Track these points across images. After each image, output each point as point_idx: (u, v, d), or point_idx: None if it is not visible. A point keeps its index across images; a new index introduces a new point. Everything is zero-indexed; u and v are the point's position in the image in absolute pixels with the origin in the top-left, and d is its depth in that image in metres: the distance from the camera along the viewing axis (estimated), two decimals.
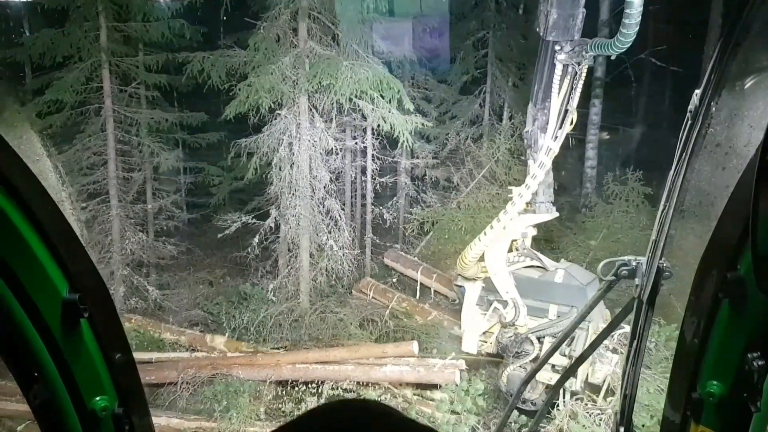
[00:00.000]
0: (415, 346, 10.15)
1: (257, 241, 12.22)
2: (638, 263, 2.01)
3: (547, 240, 12.92)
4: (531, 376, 2.91)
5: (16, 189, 1.10)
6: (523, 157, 14.41)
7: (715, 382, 1.36)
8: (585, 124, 16.06)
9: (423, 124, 12.33)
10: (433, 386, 9.73)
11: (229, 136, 13.40)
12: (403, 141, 11.92)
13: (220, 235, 12.65)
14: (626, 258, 2.04)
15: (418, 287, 12.54)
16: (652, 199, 12.69)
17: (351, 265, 12.44)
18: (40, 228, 1.16)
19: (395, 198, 14.69)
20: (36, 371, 1.21)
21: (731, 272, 1.27)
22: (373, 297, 12.30)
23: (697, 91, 1.56)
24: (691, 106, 1.60)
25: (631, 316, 2.06)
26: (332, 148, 12.37)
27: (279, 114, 11.63)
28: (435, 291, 12.42)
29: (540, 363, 2.75)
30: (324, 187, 12.24)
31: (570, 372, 2.71)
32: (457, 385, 9.34)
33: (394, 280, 13.06)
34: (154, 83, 12.95)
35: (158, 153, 12.92)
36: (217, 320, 11.90)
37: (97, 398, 1.33)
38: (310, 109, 11.89)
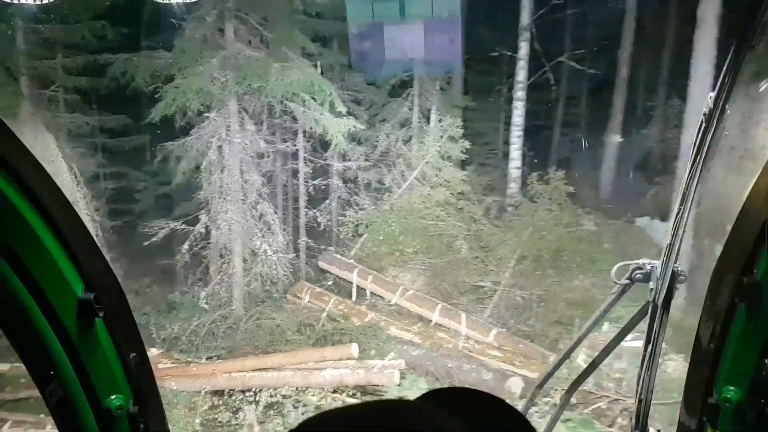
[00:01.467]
0: (354, 348, 10.19)
1: (187, 247, 11.88)
2: (653, 267, 1.99)
3: (476, 237, 13.29)
4: (545, 380, 2.82)
5: (32, 191, 1.12)
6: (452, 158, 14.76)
7: (731, 388, 1.33)
8: (508, 125, 16.64)
9: (355, 127, 12.39)
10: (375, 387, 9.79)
11: (153, 140, 12.96)
12: (337, 143, 11.95)
13: (146, 243, 12.19)
14: (641, 261, 2.02)
15: (355, 289, 12.55)
16: (574, 198, 13.29)
17: (286, 269, 12.33)
18: (56, 229, 1.18)
19: (328, 200, 14.64)
20: (52, 370, 1.22)
21: (747, 276, 1.25)
22: (309, 301, 12.21)
23: (711, 94, 1.53)
24: (705, 109, 1.57)
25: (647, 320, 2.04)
26: (263, 151, 12.22)
27: (208, 117, 11.37)
28: (371, 292, 12.47)
29: (554, 368, 2.70)
30: (256, 191, 12.08)
31: (583, 377, 2.64)
32: (399, 385, 9.44)
33: (330, 283, 13.01)
34: (74, 86, 12.34)
35: (78, 158, 12.32)
36: (146, 331, 11.44)
37: (113, 397, 1.34)
38: (240, 112, 11.70)
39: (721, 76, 1.44)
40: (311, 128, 12.16)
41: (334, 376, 9.88)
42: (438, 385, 10.08)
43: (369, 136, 15.24)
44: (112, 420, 1.35)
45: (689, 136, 11.72)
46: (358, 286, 12.62)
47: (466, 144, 14.32)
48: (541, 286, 11.74)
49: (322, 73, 12.30)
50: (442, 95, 16.31)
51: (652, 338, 1.96)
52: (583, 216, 13.15)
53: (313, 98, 11.65)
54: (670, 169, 13.45)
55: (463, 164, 15.12)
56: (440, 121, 15.23)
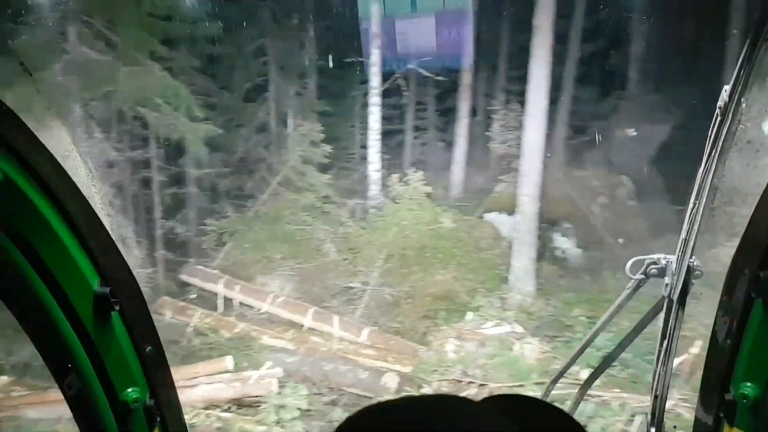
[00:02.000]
0: (229, 360, 9.89)
1: None
2: (668, 262, 1.96)
3: (344, 240, 13.50)
4: (560, 375, 2.77)
5: (48, 185, 1.14)
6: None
7: (749, 384, 1.31)
8: (363, 130, 17.07)
9: (215, 132, 12.03)
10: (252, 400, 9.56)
11: None
12: (195, 149, 11.52)
13: None
14: (655, 256, 2.00)
15: (222, 301, 12.16)
16: (433, 197, 14.01)
17: (145, 285, 11.61)
18: (72, 223, 1.21)
19: (186, 210, 14.01)
20: (69, 362, 1.25)
21: (764, 271, 1.23)
22: (172, 317, 11.61)
23: (727, 87, 1.51)
24: (720, 102, 1.55)
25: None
26: (113, 160, 11.42)
27: (50, 125, 10.36)
28: (240, 302, 12.15)
29: (568, 364, 2.65)
30: (108, 203, 11.23)
31: (597, 373, 2.50)
32: (278, 394, 9.31)
33: (194, 296, 12.46)
34: None
35: None
36: None
37: (129, 390, 1.37)
38: (87, 119, 10.82)
39: (737, 68, 1.44)
40: (166, 134, 11.60)
41: (208, 392, 9.50)
42: (315, 390, 10.10)
43: (226, 142, 14.85)
44: (129, 413, 1.37)
45: (528, 137, 12.83)
46: (225, 297, 12.24)
47: (328, 148, 14.48)
48: (408, 283, 12.21)
49: (174, 77, 11.75)
50: (298, 100, 16.35)
51: (668, 334, 1.93)
52: (441, 214, 13.86)
53: (167, 103, 11.13)
54: (513, 167, 14.65)
55: (324, 168, 15.27)
56: (300, 125, 15.24)
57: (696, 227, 1.78)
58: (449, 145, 18.91)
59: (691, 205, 1.81)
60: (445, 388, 9.85)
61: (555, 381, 2.71)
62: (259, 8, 15.62)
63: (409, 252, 12.73)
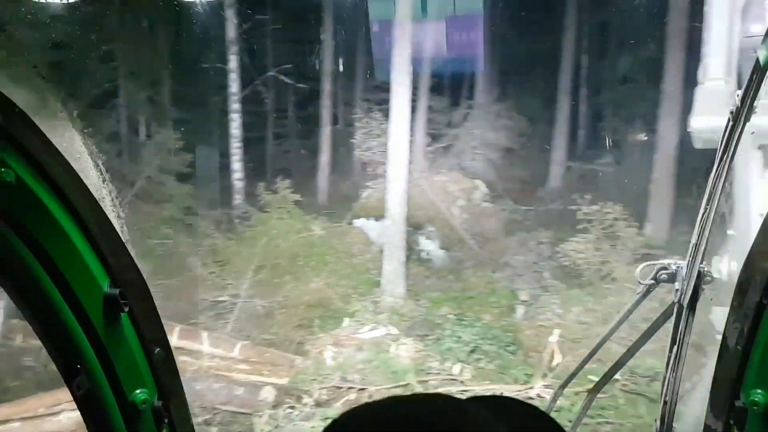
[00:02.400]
0: None
1: None
2: (678, 267, 1.96)
3: (211, 252, 13.04)
4: (567, 381, 2.74)
5: (59, 186, 1.15)
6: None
7: (759, 391, 1.28)
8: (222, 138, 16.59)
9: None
10: None
11: None
12: None
13: None
14: (666, 261, 2.00)
15: None
16: (301, 205, 13.97)
17: None
18: (82, 224, 1.22)
19: None
20: (78, 363, 1.26)
21: None
22: (24, 341, 10.50)
23: (738, 92, 1.48)
24: (732, 107, 1.51)
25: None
26: None
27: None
28: None
29: (576, 369, 2.58)
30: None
31: (606, 379, 2.46)
32: None
33: None
34: None
35: None
36: None
37: (138, 391, 1.38)
38: None
39: (750, 72, 1.42)
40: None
41: (73, 419, 8.71)
42: (189, 410, 9.64)
43: None
44: (138, 414, 1.38)
45: (393, 143, 13.19)
46: None
47: (188, 157, 13.91)
48: (281, 293, 12.04)
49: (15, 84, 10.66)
50: (151, 107, 15.57)
51: (677, 340, 1.92)
52: (311, 222, 13.86)
53: None
54: (379, 174, 15.03)
55: (184, 178, 14.63)
56: (153, 134, 14.51)
57: (707, 232, 1.76)
58: (312, 152, 18.95)
59: (702, 210, 1.77)
60: (325, 396, 9.86)
61: (563, 386, 2.71)
62: (107, 12, 14.64)
63: (281, 261, 12.56)
